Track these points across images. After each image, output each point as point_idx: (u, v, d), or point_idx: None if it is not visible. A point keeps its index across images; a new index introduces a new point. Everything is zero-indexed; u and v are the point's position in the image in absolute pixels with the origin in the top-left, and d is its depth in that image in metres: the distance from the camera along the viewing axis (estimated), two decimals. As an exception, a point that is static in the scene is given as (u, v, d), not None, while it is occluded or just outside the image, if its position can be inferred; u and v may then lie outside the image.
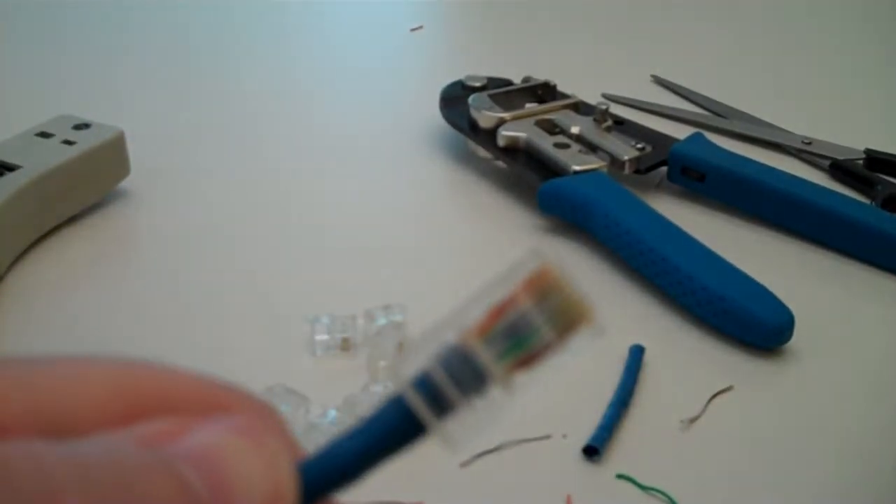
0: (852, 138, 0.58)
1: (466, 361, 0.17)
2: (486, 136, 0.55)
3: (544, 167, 0.52)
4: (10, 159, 0.48)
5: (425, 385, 0.17)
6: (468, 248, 0.51)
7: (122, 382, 0.17)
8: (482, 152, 0.55)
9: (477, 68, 0.61)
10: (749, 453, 0.38)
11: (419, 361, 0.18)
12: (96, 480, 0.14)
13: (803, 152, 0.58)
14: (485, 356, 0.17)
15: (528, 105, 0.57)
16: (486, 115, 0.55)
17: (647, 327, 0.44)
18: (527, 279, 0.17)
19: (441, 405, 0.17)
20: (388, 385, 0.39)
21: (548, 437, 0.38)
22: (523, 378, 0.17)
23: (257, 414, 0.18)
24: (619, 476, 0.37)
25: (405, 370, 0.18)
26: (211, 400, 0.18)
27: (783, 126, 0.61)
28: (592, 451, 0.37)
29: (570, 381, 0.42)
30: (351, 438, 0.18)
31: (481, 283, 0.18)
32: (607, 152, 0.52)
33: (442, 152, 0.58)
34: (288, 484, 0.17)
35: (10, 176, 0.47)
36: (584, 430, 0.38)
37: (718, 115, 0.63)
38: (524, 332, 0.17)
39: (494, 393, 0.17)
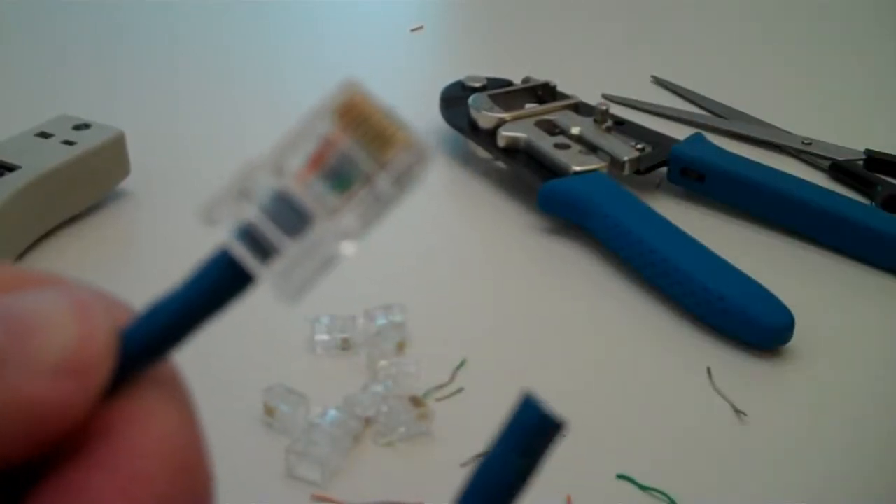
0: (852, 138, 0.58)
1: (289, 205, 0.17)
2: (486, 137, 0.55)
3: (544, 167, 0.52)
4: (10, 159, 0.48)
5: (247, 233, 0.17)
6: (468, 249, 0.51)
7: None
8: (482, 152, 0.55)
9: (477, 68, 0.61)
10: (749, 453, 0.38)
11: (238, 209, 0.17)
12: None
13: (803, 153, 0.58)
14: (308, 197, 0.17)
15: (528, 105, 0.57)
16: (486, 116, 0.55)
17: (647, 327, 0.44)
18: (337, 112, 0.17)
19: (266, 252, 0.17)
20: (388, 385, 0.39)
21: (548, 437, 0.38)
22: (352, 219, 0.17)
23: (84, 287, 0.17)
24: (619, 476, 0.37)
25: (225, 219, 0.17)
26: (42, 283, 0.18)
27: (783, 126, 0.61)
28: None
29: (570, 382, 0.42)
30: (178, 295, 0.17)
31: (295, 123, 0.17)
32: (607, 153, 0.52)
33: (442, 152, 0.58)
34: (99, 330, 0.16)
35: (10, 176, 0.47)
36: (585, 431, 0.38)
37: (718, 115, 0.63)
38: (344, 169, 0.17)
39: (323, 235, 0.17)
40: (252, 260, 0.17)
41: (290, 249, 0.17)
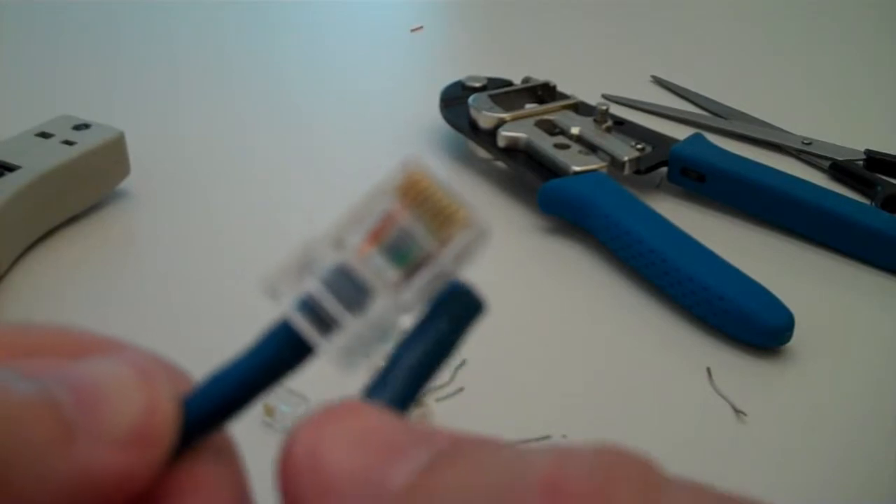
0: (852, 138, 0.58)
1: (349, 278, 0.17)
2: (486, 137, 0.55)
3: (544, 167, 0.52)
4: (10, 159, 0.48)
5: (308, 306, 0.17)
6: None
7: (17, 338, 0.18)
8: (482, 152, 0.55)
9: (477, 68, 0.61)
10: (748, 453, 0.38)
11: (299, 283, 0.17)
12: None
13: (803, 153, 0.58)
14: (367, 272, 0.17)
15: (528, 105, 0.57)
16: (486, 116, 0.55)
17: (647, 327, 0.44)
18: (399, 190, 0.17)
19: (327, 325, 0.17)
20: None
21: (548, 437, 0.38)
22: (411, 294, 0.17)
23: (146, 355, 0.18)
24: (619, 476, 0.36)
25: (286, 292, 0.17)
26: (105, 349, 0.18)
27: (783, 126, 0.61)
28: None
29: (570, 381, 0.42)
30: (238, 365, 0.18)
31: (358, 197, 0.18)
32: (607, 153, 0.52)
33: (442, 152, 0.58)
34: (163, 401, 0.16)
35: (10, 176, 0.47)
36: (585, 430, 0.38)
37: (718, 115, 0.63)
38: (404, 244, 0.17)
39: (383, 310, 0.17)
40: (313, 332, 0.17)
41: (350, 323, 0.17)
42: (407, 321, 0.17)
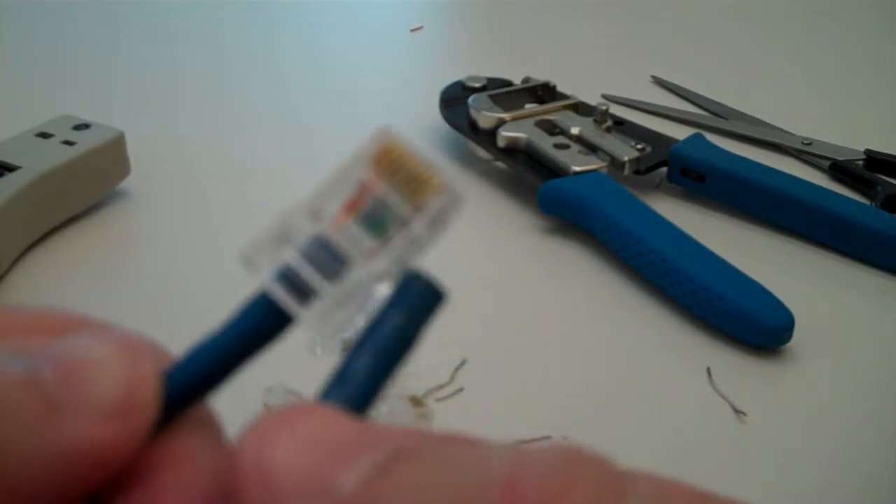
0: (852, 138, 0.58)
1: (327, 249, 0.17)
2: (486, 137, 0.55)
3: (544, 168, 0.52)
4: (10, 159, 0.48)
5: (286, 276, 0.17)
6: (468, 249, 0.51)
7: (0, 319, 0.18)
8: (482, 153, 0.55)
9: (477, 68, 0.61)
10: (748, 453, 0.38)
11: (277, 254, 0.17)
12: None
13: (803, 153, 0.58)
14: (344, 241, 0.17)
15: (527, 106, 0.57)
16: (486, 116, 0.55)
17: (647, 327, 0.44)
18: (373, 159, 0.17)
19: (305, 295, 0.17)
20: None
21: (548, 437, 0.38)
22: (388, 261, 0.17)
23: (128, 332, 0.18)
24: (619, 476, 0.36)
25: (264, 263, 0.17)
26: (88, 327, 0.18)
27: (783, 126, 0.61)
28: None
29: (570, 381, 0.42)
30: (219, 338, 0.18)
31: (333, 169, 0.18)
32: (607, 153, 0.52)
33: (442, 152, 0.58)
34: (146, 375, 0.17)
35: (10, 176, 0.47)
36: (585, 430, 0.38)
37: (718, 115, 0.63)
38: (380, 213, 0.17)
39: (360, 278, 0.17)
40: (291, 302, 0.17)
41: (329, 292, 0.17)
42: (384, 290, 0.17)
